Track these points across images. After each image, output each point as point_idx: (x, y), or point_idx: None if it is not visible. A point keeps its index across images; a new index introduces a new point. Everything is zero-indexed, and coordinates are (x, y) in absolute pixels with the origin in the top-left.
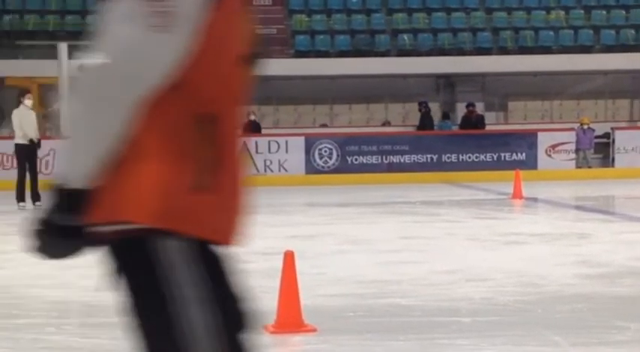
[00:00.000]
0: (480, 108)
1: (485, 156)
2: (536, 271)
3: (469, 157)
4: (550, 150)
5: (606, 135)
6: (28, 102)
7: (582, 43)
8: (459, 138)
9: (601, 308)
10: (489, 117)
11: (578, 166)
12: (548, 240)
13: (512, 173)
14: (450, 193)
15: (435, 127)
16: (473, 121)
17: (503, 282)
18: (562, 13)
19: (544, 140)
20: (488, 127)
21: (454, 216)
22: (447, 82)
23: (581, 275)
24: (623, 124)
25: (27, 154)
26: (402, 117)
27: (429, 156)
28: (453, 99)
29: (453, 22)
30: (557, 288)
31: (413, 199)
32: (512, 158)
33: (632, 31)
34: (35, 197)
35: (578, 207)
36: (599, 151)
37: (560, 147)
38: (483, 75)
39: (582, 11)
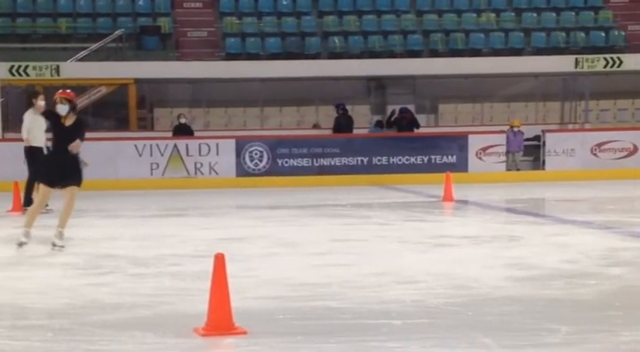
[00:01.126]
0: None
1: (416, 159)
2: (466, 273)
3: (399, 160)
4: (480, 153)
5: (537, 138)
6: (40, 103)
7: (513, 45)
8: (390, 140)
9: (531, 311)
10: (420, 120)
11: (508, 169)
12: (478, 242)
13: (442, 175)
14: (380, 196)
15: (369, 130)
16: (404, 124)
17: (434, 285)
18: (493, 15)
19: (474, 142)
20: (418, 130)
21: (384, 219)
22: (378, 85)
23: (511, 277)
24: (554, 127)
25: (36, 158)
26: (332, 120)
27: (359, 158)
28: (383, 101)
29: (384, 25)
30: (488, 291)
31: (343, 202)
32: (443, 160)
33: (563, 34)
34: (29, 201)
35: (508, 210)
36: (530, 154)
37: (490, 150)
38: (414, 77)
39: (513, 14)
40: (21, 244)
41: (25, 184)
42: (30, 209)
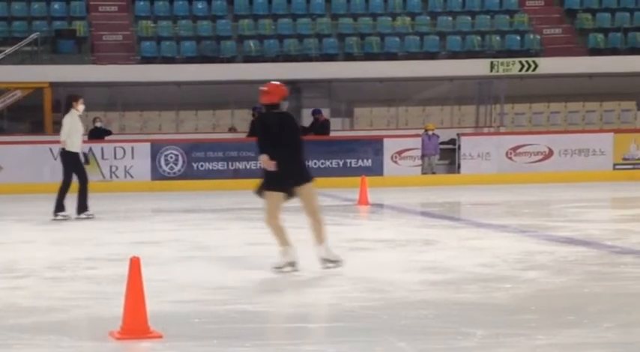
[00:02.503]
0: (325, 114)
1: (331, 163)
2: (382, 277)
3: (315, 163)
4: (396, 157)
5: (452, 142)
6: (80, 107)
7: (428, 49)
8: (305, 145)
9: (447, 315)
10: (335, 124)
11: (423, 172)
12: (394, 246)
13: (358, 179)
14: (296, 199)
15: None
16: (318, 127)
17: (349, 288)
18: (408, 19)
19: (390, 146)
20: (334, 133)
21: (300, 223)
22: (293, 88)
23: (427, 281)
24: (469, 130)
25: (75, 163)
26: (248, 124)
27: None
28: (298, 105)
29: (299, 29)
30: (403, 294)
31: (259, 205)
32: (358, 164)
33: (478, 38)
34: (82, 208)
35: (424, 214)
36: (445, 157)
37: (405, 154)
38: (329, 81)
39: (428, 17)
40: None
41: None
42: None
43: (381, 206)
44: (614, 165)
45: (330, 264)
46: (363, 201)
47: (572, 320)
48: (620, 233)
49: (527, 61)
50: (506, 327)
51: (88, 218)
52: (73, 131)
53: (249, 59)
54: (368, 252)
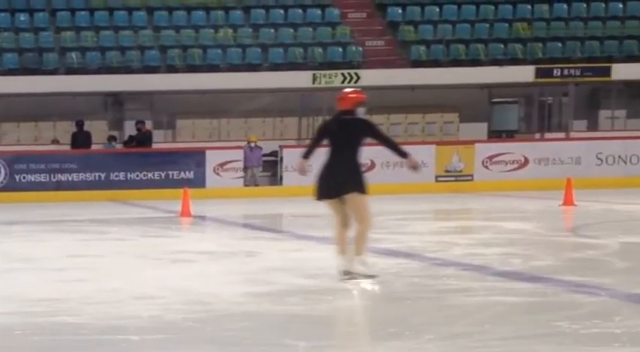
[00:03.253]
0: (147, 126)
1: (153, 175)
2: (204, 289)
3: (137, 175)
4: (218, 169)
5: (274, 154)
6: None
7: (250, 61)
8: (127, 156)
9: (270, 326)
10: (157, 135)
11: (246, 184)
12: (216, 258)
13: (180, 191)
14: (118, 211)
15: (102, 146)
16: (140, 137)
17: (172, 300)
18: (230, 31)
19: (212, 158)
20: (156, 145)
21: (122, 234)
22: (116, 100)
23: (249, 293)
24: (291, 142)
25: None
26: (70, 136)
27: (97, 174)
28: (121, 117)
29: (121, 41)
30: (226, 306)
31: (81, 217)
32: (181, 176)
33: (300, 50)
34: None
35: (246, 226)
36: (268, 169)
37: (228, 166)
38: (151, 93)
39: (250, 29)
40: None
41: None
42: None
43: (203, 218)
44: (437, 177)
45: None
46: (185, 212)
47: (394, 332)
48: (442, 245)
49: (349, 73)
50: (329, 339)
51: None
52: None
53: (71, 71)
54: (190, 263)
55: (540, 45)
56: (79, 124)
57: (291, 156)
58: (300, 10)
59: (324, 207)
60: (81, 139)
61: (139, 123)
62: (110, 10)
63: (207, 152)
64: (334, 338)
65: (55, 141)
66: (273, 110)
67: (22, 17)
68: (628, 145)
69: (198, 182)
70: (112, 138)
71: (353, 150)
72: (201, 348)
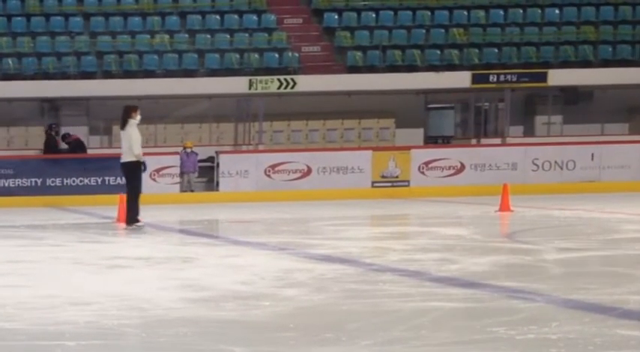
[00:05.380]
0: (84, 131)
1: (90, 180)
2: (140, 295)
3: (73, 181)
4: (154, 174)
5: (211, 159)
6: (138, 117)
7: (187, 66)
8: (64, 162)
9: (206, 332)
10: (94, 141)
11: (182, 190)
12: (152, 263)
13: (116, 197)
14: (54, 217)
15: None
16: (74, 146)
17: (108, 306)
18: (167, 37)
19: (148, 164)
20: (92, 151)
21: (58, 240)
22: (52, 106)
23: (185, 298)
24: (228, 148)
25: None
26: (7, 142)
27: (33, 180)
28: (57, 122)
29: (58, 46)
30: (162, 312)
31: (17, 223)
32: (117, 182)
33: (237, 55)
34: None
35: (182, 231)
36: (204, 175)
37: (164, 171)
38: (88, 99)
39: (187, 35)
40: None
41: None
42: None
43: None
44: (373, 182)
45: None
46: (121, 218)
47: (330, 337)
48: (379, 250)
49: (285, 79)
50: (264, 345)
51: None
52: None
53: (7, 77)
54: (126, 269)
55: (476, 51)
56: (53, 129)
57: (228, 162)
58: (236, 16)
59: (261, 213)
60: (53, 144)
61: (66, 137)
62: (46, 15)
63: (144, 158)
64: (270, 344)
65: None
66: (210, 116)
67: None
68: (564, 151)
69: None
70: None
71: None
72: None
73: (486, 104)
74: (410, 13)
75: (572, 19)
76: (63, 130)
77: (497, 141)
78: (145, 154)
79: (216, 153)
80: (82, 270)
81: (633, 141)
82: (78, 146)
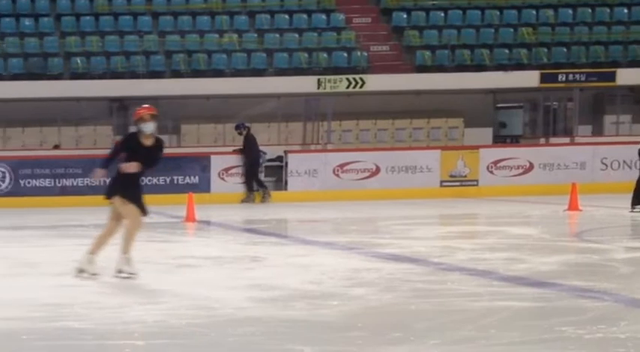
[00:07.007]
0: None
1: (158, 180)
2: (209, 294)
3: (142, 180)
4: (223, 174)
5: (279, 159)
6: None
7: (255, 66)
8: None
9: (274, 332)
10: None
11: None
12: (221, 263)
13: (185, 196)
14: None
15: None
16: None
17: (176, 305)
18: (235, 36)
19: (217, 163)
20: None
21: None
22: (120, 106)
23: (253, 298)
24: (296, 147)
25: None
26: (74, 141)
27: (102, 179)
28: (126, 122)
29: (126, 46)
30: (230, 312)
31: (85, 222)
32: (185, 181)
33: (305, 55)
34: None
35: (251, 231)
36: (272, 174)
37: (233, 171)
38: (156, 98)
39: (255, 35)
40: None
41: None
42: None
43: (208, 223)
44: (441, 182)
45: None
46: (190, 218)
47: (398, 337)
48: (447, 250)
49: (354, 78)
50: (333, 344)
51: None
52: None
53: (76, 76)
54: (195, 268)
55: (545, 50)
56: (243, 128)
57: (296, 162)
58: (305, 15)
59: (329, 212)
60: (251, 143)
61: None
62: (115, 14)
63: (212, 157)
64: (338, 343)
65: (57, 147)
66: (278, 115)
67: (27, 22)
68: (633, 150)
69: (203, 187)
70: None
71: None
72: None
73: (555, 103)
74: (479, 12)
75: None
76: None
77: (566, 140)
78: (213, 154)
79: (285, 152)
80: (151, 270)
81: None
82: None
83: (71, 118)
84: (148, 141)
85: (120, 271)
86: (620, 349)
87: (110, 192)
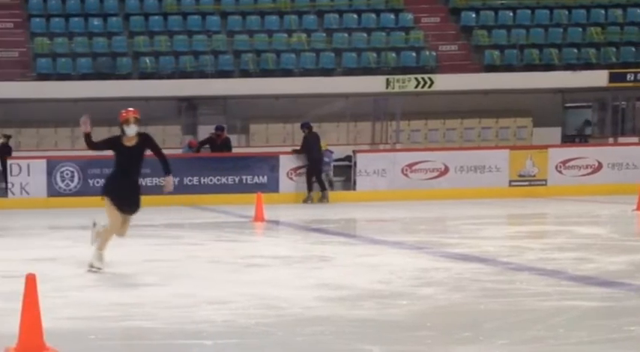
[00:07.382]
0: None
1: (227, 179)
2: (277, 294)
3: (211, 180)
4: (292, 173)
5: (348, 158)
6: None
7: (324, 65)
8: (201, 161)
9: (342, 331)
10: (231, 140)
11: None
12: (289, 262)
13: (253, 196)
14: (192, 216)
15: (182, 151)
16: (218, 144)
17: (245, 305)
18: (303, 36)
19: (285, 163)
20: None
21: (196, 239)
22: (189, 105)
23: (322, 297)
24: (365, 147)
25: None
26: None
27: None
28: (194, 122)
29: (195, 45)
30: (299, 311)
31: (155, 222)
32: (254, 181)
33: (374, 54)
34: None
35: (319, 230)
36: (341, 174)
37: (302, 170)
38: (225, 98)
39: (324, 34)
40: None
41: None
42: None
43: (276, 222)
44: (510, 181)
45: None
46: (258, 217)
47: (468, 336)
48: (516, 249)
49: (422, 78)
50: (402, 344)
51: None
52: None
53: (144, 76)
54: (263, 268)
55: (614, 49)
56: (306, 127)
57: (365, 161)
58: (373, 15)
59: (398, 212)
60: (313, 141)
61: (219, 129)
62: (184, 14)
63: (281, 157)
64: (407, 343)
65: None
66: (347, 115)
67: (96, 22)
68: None
69: (272, 186)
70: (191, 145)
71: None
72: None
73: (623, 103)
74: (547, 11)
75: None
76: (200, 130)
77: (635, 139)
78: (282, 153)
79: (354, 152)
80: (220, 269)
81: None
82: (224, 145)
83: (141, 118)
84: (129, 143)
85: (91, 265)
86: None
87: (103, 190)
